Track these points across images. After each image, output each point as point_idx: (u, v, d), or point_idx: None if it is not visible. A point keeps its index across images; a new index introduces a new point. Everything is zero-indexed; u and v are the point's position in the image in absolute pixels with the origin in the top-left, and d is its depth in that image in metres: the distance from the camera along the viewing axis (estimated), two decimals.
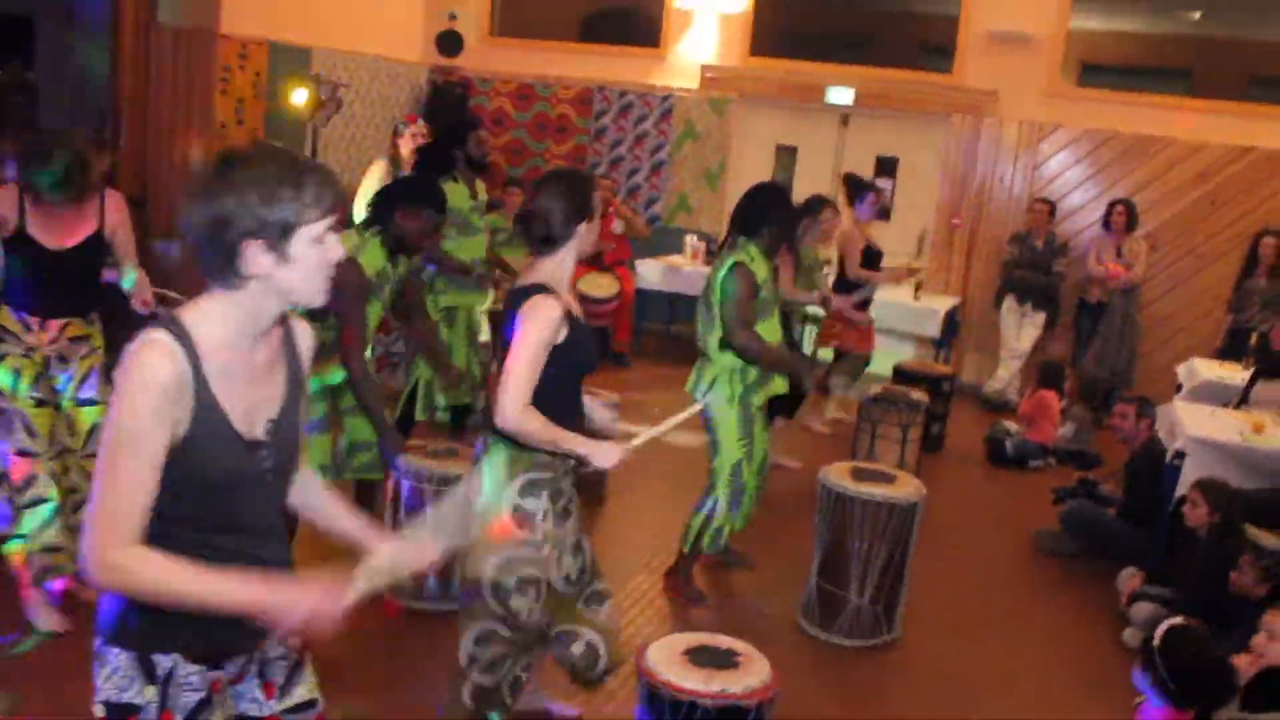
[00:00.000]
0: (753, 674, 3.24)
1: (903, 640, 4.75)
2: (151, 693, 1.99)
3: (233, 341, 1.95)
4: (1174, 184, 9.10)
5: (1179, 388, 7.45)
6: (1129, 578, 5.26)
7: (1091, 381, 8.19)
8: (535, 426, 3.16)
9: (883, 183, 9.68)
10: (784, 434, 6.83)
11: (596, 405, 3.58)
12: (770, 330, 4.75)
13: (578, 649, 3.53)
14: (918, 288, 9.07)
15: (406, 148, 6.73)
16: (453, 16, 10.38)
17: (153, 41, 8.12)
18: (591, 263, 8.90)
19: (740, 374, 4.67)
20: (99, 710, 2.01)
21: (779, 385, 4.90)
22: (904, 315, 8.81)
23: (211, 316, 1.94)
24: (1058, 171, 9.43)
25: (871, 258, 7.32)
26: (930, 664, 4.61)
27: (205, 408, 1.91)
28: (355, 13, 9.44)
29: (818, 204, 6.40)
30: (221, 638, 2.03)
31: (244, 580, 1.92)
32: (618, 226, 8.94)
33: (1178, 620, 3.28)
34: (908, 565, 4.70)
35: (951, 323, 9.24)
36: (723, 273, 4.64)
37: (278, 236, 1.88)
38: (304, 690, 2.24)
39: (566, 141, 10.47)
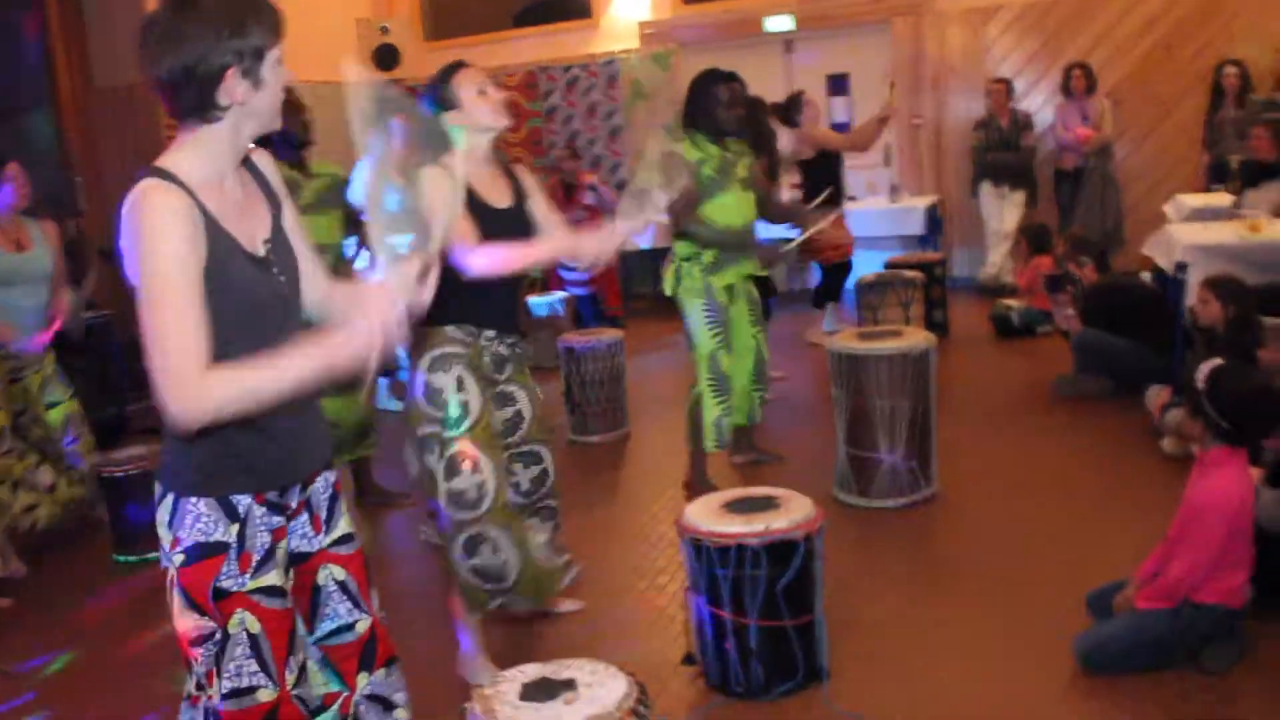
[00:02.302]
0: (796, 510, 3.21)
1: (942, 494, 4.71)
2: (235, 530, 2.07)
3: (216, 177, 2.03)
4: (1124, 37, 9.06)
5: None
6: (1157, 394, 5.21)
7: (1082, 242, 8.14)
8: (493, 256, 3.12)
9: (837, 100, 9.66)
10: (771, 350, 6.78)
11: None
12: (728, 208, 4.72)
13: (485, 551, 3.31)
14: (893, 190, 9.07)
15: None
16: (384, 30, 10.37)
17: (93, 104, 8.14)
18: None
19: (695, 261, 4.71)
20: (178, 559, 2.06)
21: (745, 266, 4.86)
22: (885, 219, 8.81)
23: (191, 156, 2.00)
24: (1009, 50, 9.40)
25: (830, 162, 7.28)
26: (972, 511, 4.56)
27: (217, 235, 1.97)
28: (290, 44, 9.42)
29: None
30: (285, 464, 2.12)
31: (311, 346, 1.95)
32: (588, 198, 8.90)
33: (1217, 360, 3.23)
34: (933, 417, 4.66)
35: (934, 220, 9.22)
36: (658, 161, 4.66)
37: (251, 63, 1.96)
38: (344, 524, 2.30)
39: (520, 128, 10.46)
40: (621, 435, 6.12)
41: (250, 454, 2.07)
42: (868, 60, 9.81)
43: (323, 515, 2.25)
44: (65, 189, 7.90)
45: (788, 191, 7.02)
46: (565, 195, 8.83)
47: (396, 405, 6.72)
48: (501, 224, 3.32)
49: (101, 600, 4.57)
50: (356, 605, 2.27)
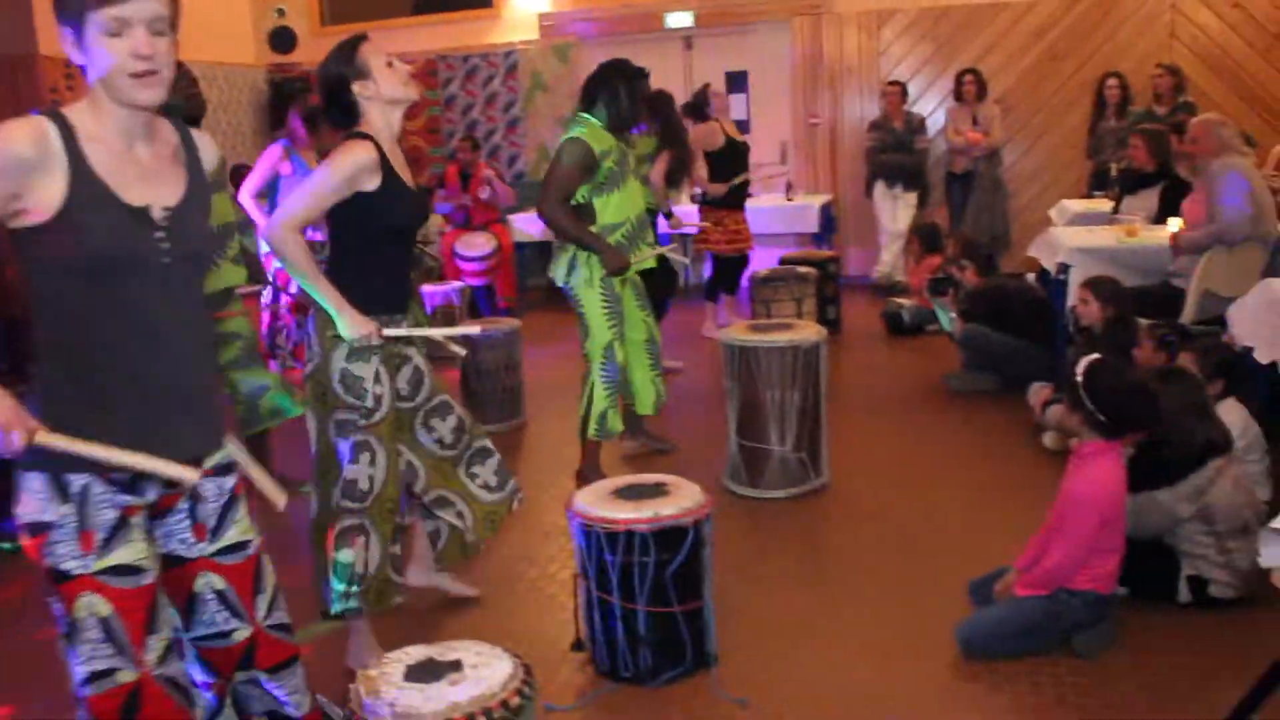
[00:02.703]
0: (686, 497, 3.22)
1: (832, 485, 4.78)
2: (67, 509, 2.00)
3: (110, 133, 2.00)
4: (1014, 46, 9.30)
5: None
6: (1039, 390, 5.35)
7: (969, 244, 8.34)
8: (295, 251, 3.06)
9: (736, 97, 9.72)
10: (667, 343, 6.79)
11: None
12: (618, 203, 4.72)
13: (448, 516, 3.45)
14: (789, 188, 9.19)
15: (304, 131, 6.44)
16: (280, 13, 10.20)
17: None
18: (464, 223, 8.83)
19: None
20: (24, 536, 2.04)
21: (643, 262, 4.87)
22: (780, 216, 8.92)
23: (84, 108, 2.01)
24: (904, 54, 9.57)
25: (739, 151, 7.33)
26: (861, 501, 4.64)
27: (83, 179, 1.94)
28: (186, 25, 9.18)
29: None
30: (140, 442, 2.00)
31: None
32: (484, 193, 8.83)
33: (1095, 356, 3.33)
34: (823, 409, 4.72)
35: (827, 218, 9.35)
36: (560, 145, 4.66)
37: (74, 23, 1.95)
38: (236, 531, 2.23)
39: (419, 116, 10.34)
40: (518, 424, 6.09)
41: (90, 430, 1.97)
42: (766, 59, 9.91)
43: (209, 524, 2.19)
44: None
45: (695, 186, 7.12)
46: (462, 185, 8.77)
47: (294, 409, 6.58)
48: (416, 207, 3.30)
49: None
50: (235, 615, 2.21)
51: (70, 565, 2.00)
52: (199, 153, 2.18)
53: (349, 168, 3.09)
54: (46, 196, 1.91)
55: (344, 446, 3.22)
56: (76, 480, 2.00)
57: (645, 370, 4.97)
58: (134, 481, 2.06)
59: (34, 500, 2.00)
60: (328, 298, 3.10)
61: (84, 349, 1.99)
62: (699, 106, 7.39)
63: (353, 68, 3.16)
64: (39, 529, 2.00)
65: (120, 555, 2.03)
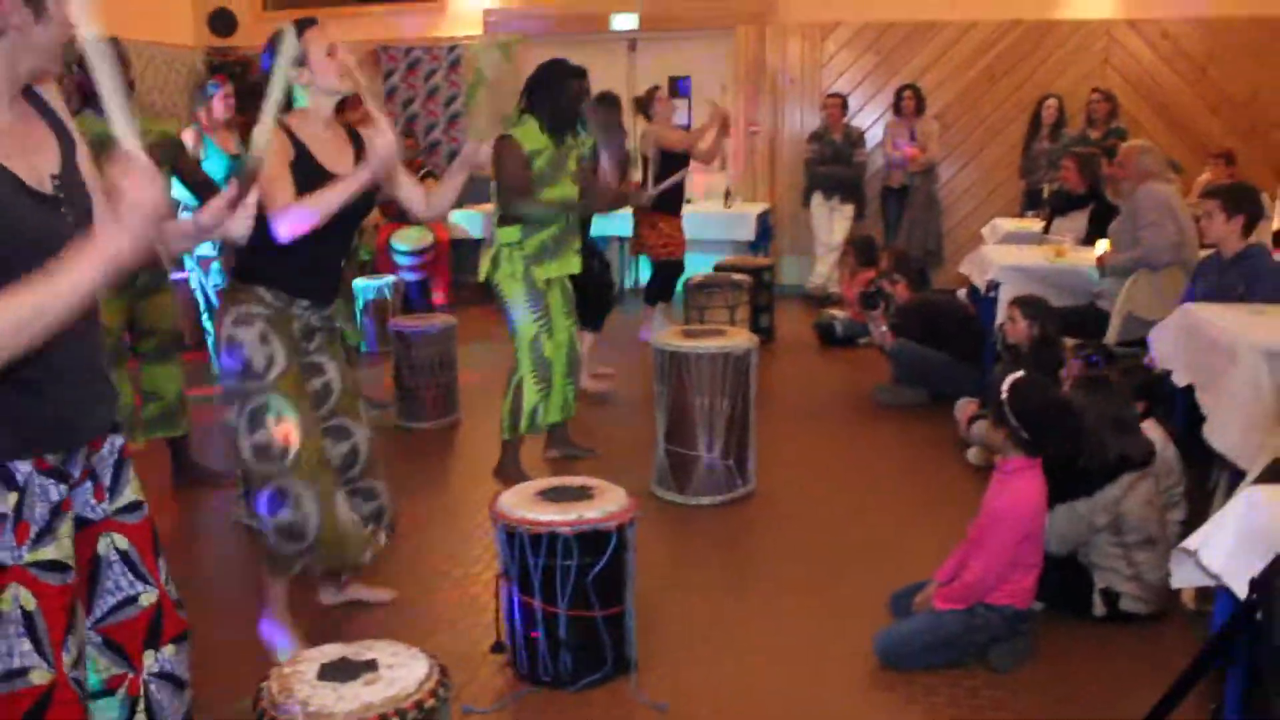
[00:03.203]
0: (610, 500, 3.22)
1: (757, 492, 4.81)
2: (12, 499, 1.92)
3: None
4: (954, 64, 9.44)
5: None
6: (965, 405, 5.43)
7: (902, 259, 8.44)
8: (310, 205, 3.00)
9: (678, 102, 9.75)
10: (600, 349, 6.81)
11: None
12: (557, 194, 4.76)
13: (288, 506, 3.23)
14: (728, 195, 9.22)
15: (219, 111, 6.31)
16: None
17: None
18: (401, 218, 8.74)
19: (518, 248, 4.71)
20: None
21: (566, 264, 4.87)
22: (717, 223, 8.95)
23: None
24: (845, 66, 9.66)
25: (677, 158, 7.34)
26: (787, 510, 4.66)
27: None
28: (121, 2, 9.01)
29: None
30: (65, 426, 1.98)
31: (76, 257, 1.76)
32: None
33: (1020, 373, 3.37)
34: (751, 417, 4.74)
35: (764, 227, 9.41)
36: (493, 147, 4.66)
37: None
38: (131, 491, 2.18)
39: (358, 106, 10.19)
40: (451, 422, 6.03)
41: (26, 415, 1.93)
42: (709, 65, 9.94)
43: (106, 482, 2.13)
44: None
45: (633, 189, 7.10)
46: None
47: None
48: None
49: None
50: (140, 577, 2.15)
51: (2, 556, 1.92)
52: (49, 103, 2.05)
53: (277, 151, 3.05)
54: None
55: (241, 422, 3.15)
56: (20, 469, 1.93)
57: (560, 378, 4.95)
58: (65, 464, 2.01)
59: None
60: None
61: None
62: (647, 106, 7.42)
63: (294, 55, 3.12)
64: None
65: (50, 551, 1.97)
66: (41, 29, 1.86)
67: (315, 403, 3.28)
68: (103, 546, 2.12)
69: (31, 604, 1.94)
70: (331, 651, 2.28)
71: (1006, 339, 5.25)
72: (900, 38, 9.51)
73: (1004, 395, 3.28)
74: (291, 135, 3.11)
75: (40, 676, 1.95)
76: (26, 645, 1.94)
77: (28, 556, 1.94)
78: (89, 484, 2.10)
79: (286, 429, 3.14)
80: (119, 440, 2.17)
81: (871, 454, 5.44)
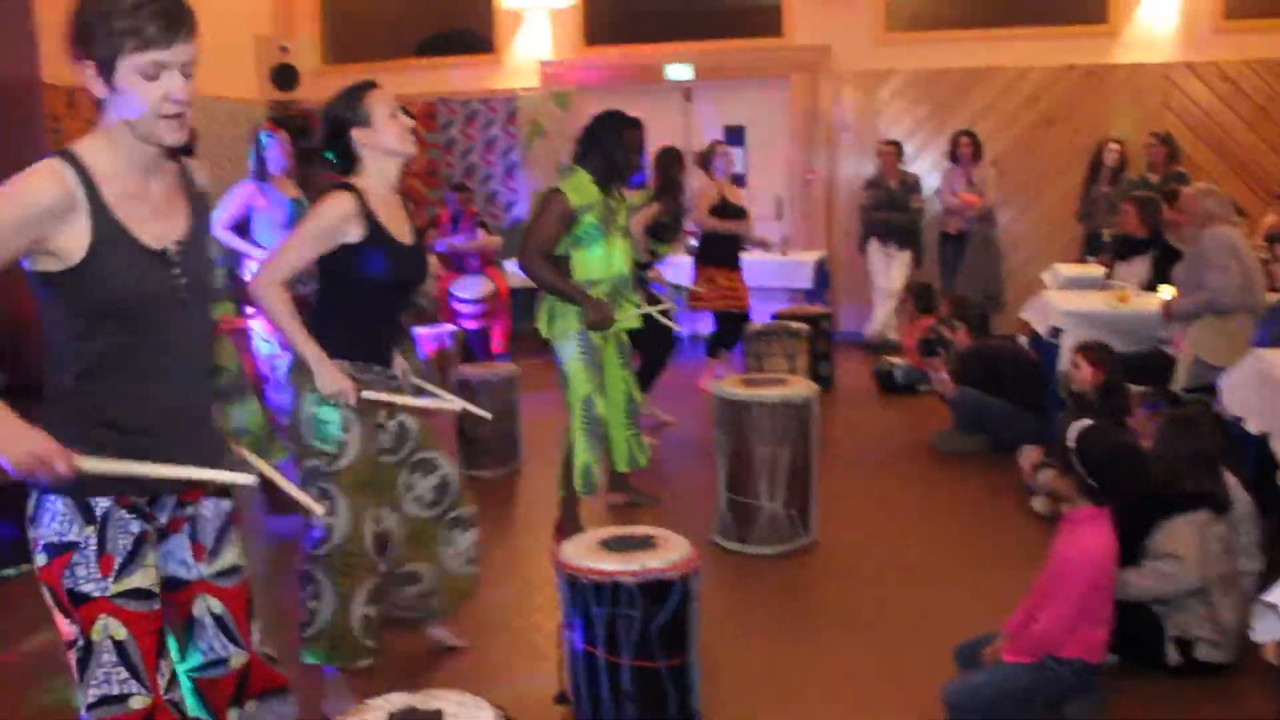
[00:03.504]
0: (673, 550, 3.20)
1: (819, 543, 4.76)
2: (90, 531, 2.02)
3: (123, 169, 2.00)
4: (1009, 110, 9.41)
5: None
6: (1029, 454, 5.36)
7: (962, 305, 8.38)
8: (276, 305, 3.08)
9: (734, 150, 9.78)
10: (662, 396, 6.82)
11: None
12: (599, 259, 4.68)
13: (411, 591, 3.44)
14: (785, 244, 9.24)
15: (274, 163, 6.46)
16: (284, 49, 10.24)
17: None
18: (460, 267, 8.84)
19: (572, 303, 4.63)
20: (40, 559, 2.03)
21: (628, 321, 4.83)
22: (774, 271, 8.94)
23: (99, 145, 2.00)
24: (900, 113, 9.67)
25: (731, 214, 7.37)
26: (849, 560, 4.62)
27: (105, 225, 1.95)
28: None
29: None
30: (151, 479, 2.05)
31: None
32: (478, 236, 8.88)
33: (1088, 420, 3.33)
34: (813, 466, 4.71)
35: (822, 274, 9.39)
36: (538, 197, 4.68)
37: (105, 61, 1.93)
38: (232, 555, 2.26)
39: (419, 157, 10.38)
40: (512, 471, 6.06)
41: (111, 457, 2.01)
42: (764, 113, 9.99)
43: (208, 544, 2.20)
44: None
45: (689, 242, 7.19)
46: (454, 228, 8.80)
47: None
48: (406, 262, 3.27)
49: None
50: (233, 640, 2.22)
51: (89, 588, 2.01)
52: (193, 177, 2.20)
53: (329, 220, 3.11)
54: (71, 243, 1.93)
55: (310, 491, 3.20)
56: (100, 503, 2.02)
57: (621, 429, 4.93)
58: (150, 505, 2.09)
59: (57, 521, 2.01)
60: (307, 351, 3.11)
61: (105, 384, 2.01)
62: (707, 161, 7.46)
63: (356, 114, 3.18)
64: (62, 549, 2.01)
65: (136, 579, 2.05)
66: (119, 102, 1.97)
67: (397, 445, 3.32)
68: (198, 609, 2.20)
69: (122, 633, 2.03)
70: (398, 700, 2.28)
71: (1070, 386, 5.19)
72: (954, 84, 9.50)
73: (1072, 443, 3.23)
74: (364, 205, 3.15)
75: (139, 702, 2.04)
76: (123, 673, 2.02)
77: (114, 588, 2.02)
78: (186, 541, 2.17)
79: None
80: (226, 505, 2.25)
81: (934, 503, 5.38)
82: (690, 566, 3.16)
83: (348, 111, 3.18)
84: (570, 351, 4.66)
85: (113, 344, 1.98)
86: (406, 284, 3.34)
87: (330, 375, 3.10)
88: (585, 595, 3.11)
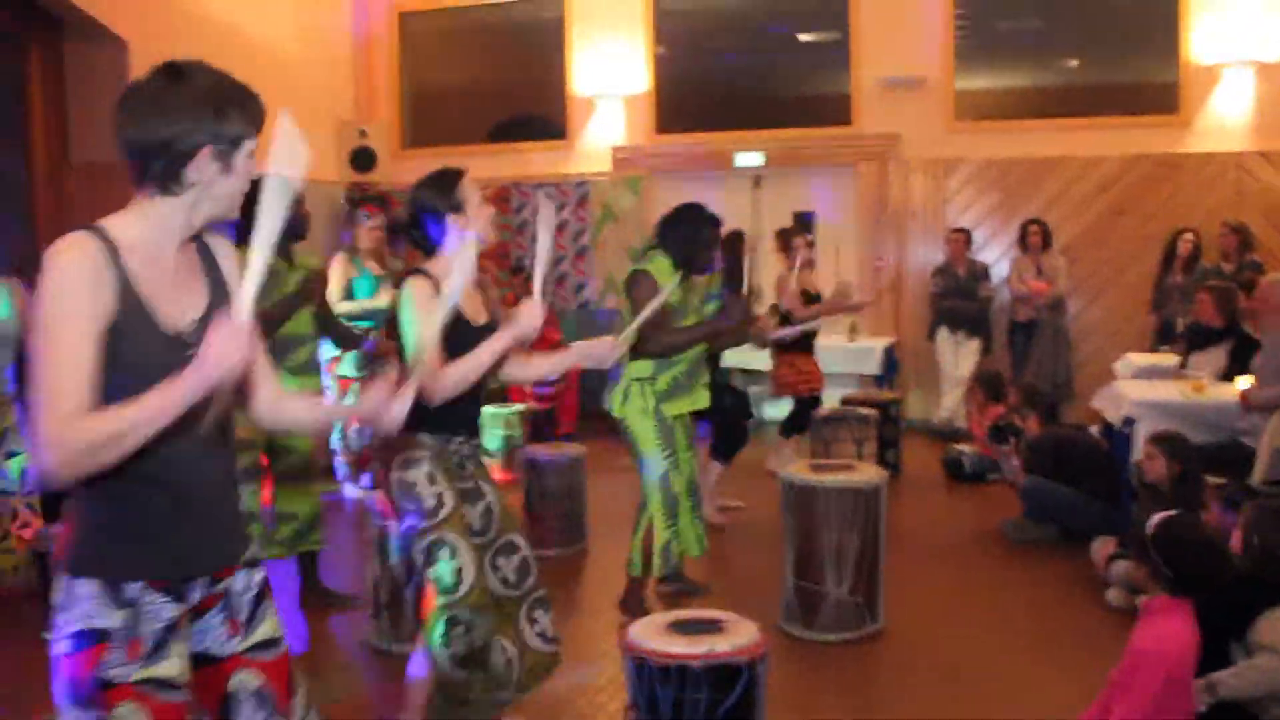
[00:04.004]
0: (741, 635, 3.19)
1: (887, 630, 4.70)
2: (121, 617, 1.99)
3: (155, 245, 2.02)
4: (1078, 198, 9.39)
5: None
6: (1102, 544, 5.27)
7: (1032, 393, 8.30)
8: (456, 373, 3.12)
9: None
10: (730, 480, 6.81)
11: None
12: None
13: (496, 658, 3.44)
14: (853, 329, 9.24)
15: (366, 240, 6.75)
16: (363, 133, 10.55)
17: (67, 178, 8.16)
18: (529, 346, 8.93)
19: (650, 383, 4.73)
20: (62, 647, 1.99)
21: (697, 399, 4.88)
22: (843, 356, 8.94)
23: (135, 221, 2.01)
24: (968, 201, 9.69)
25: (811, 301, 7.40)
26: (918, 649, 4.55)
27: (128, 299, 1.96)
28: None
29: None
30: (184, 555, 2.05)
31: (169, 385, 1.88)
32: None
33: (1169, 511, 3.29)
34: (881, 552, 4.67)
35: (890, 360, 9.37)
36: (626, 281, 4.75)
37: (227, 148, 2.00)
38: (267, 628, 2.23)
39: (493, 240, 10.55)
40: (578, 550, 6.08)
41: (142, 542, 2.02)
42: (833, 200, 10.06)
43: (241, 618, 2.18)
44: (34, 261, 7.86)
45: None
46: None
47: (356, 491, 6.69)
48: (474, 341, 3.34)
49: (17, 675, 4.43)
50: (274, 713, 2.19)
51: (114, 673, 1.98)
52: (217, 257, 2.20)
53: (420, 303, 3.19)
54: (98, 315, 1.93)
55: (419, 556, 3.24)
56: (131, 587, 2.00)
57: (687, 514, 4.95)
58: (181, 586, 2.07)
59: (87, 606, 1.98)
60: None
61: (123, 464, 1.95)
62: (787, 238, 7.53)
63: (453, 200, 3.27)
64: (98, 637, 1.97)
65: (162, 669, 2.02)
66: (226, 182, 2.04)
67: (483, 527, 3.36)
68: (234, 684, 2.17)
69: None
70: None
71: (1144, 476, 5.11)
72: (1023, 174, 9.52)
73: (1151, 533, 3.19)
74: (439, 290, 3.22)
75: None
76: None
77: (139, 674, 1.99)
78: (220, 617, 2.15)
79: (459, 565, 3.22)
80: (258, 575, 2.23)
81: (1004, 592, 5.29)
82: (758, 652, 3.14)
83: (444, 197, 3.27)
84: (645, 428, 4.71)
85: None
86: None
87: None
88: (651, 678, 3.10)
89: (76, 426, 1.84)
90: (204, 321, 2.07)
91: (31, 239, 7.88)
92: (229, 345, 1.87)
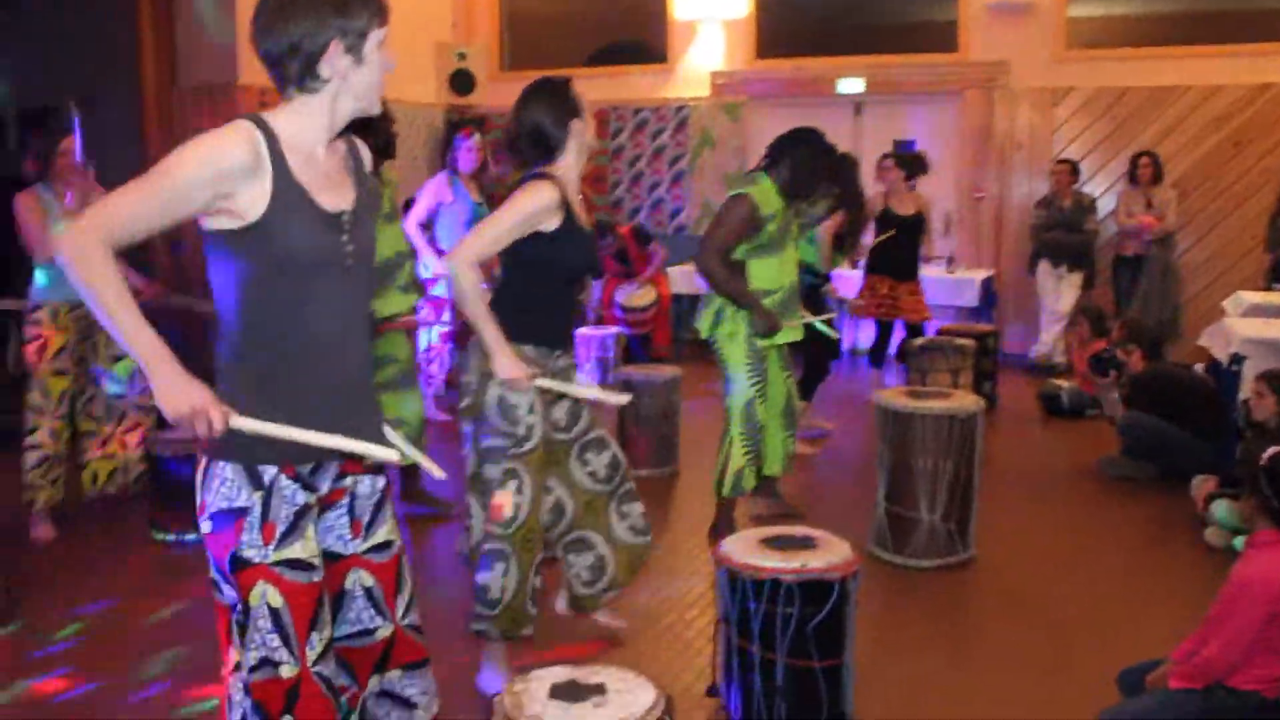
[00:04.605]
0: (834, 552, 3.21)
1: (978, 559, 4.69)
2: (258, 496, 2.10)
3: (310, 141, 2.12)
4: (1194, 130, 9.07)
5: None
6: (1202, 482, 5.16)
7: (1137, 328, 8.10)
8: (469, 281, 3.18)
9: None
10: (821, 406, 6.79)
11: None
12: (773, 268, 4.70)
13: (585, 560, 3.53)
14: (951, 261, 9.10)
15: (465, 162, 6.79)
16: (461, 56, 10.57)
17: (175, 101, 8.34)
18: (625, 274, 8.98)
19: (744, 313, 4.64)
20: (205, 526, 2.12)
21: (790, 332, 4.79)
22: (940, 288, 8.81)
23: (287, 116, 2.11)
24: (1076, 132, 9.42)
25: (893, 224, 7.28)
26: (1008, 579, 4.54)
27: (286, 186, 2.05)
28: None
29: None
30: (314, 448, 2.12)
31: (153, 342, 1.96)
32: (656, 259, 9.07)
33: None
34: (975, 481, 4.64)
35: (988, 293, 9.23)
36: (725, 201, 4.69)
37: (355, 41, 2.07)
38: (385, 530, 2.32)
39: (586, 162, 10.55)
40: (670, 472, 6.13)
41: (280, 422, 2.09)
42: (935, 129, 9.86)
43: (365, 520, 2.28)
44: None
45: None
46: (625, 266, 8.97)
47: (439, 416, 6.82)
48: (591, 250, 3.39)
49: (132, 572, 4.64)
50: (379, 612, 2.29)
51: (250, 554, 2.08)
52: (361, 159, 2.30)
53: (533, 207, 3.21)
54: (252, 201, 2.02)
55: (492, 472, 3.31)
56: (267, 471, 2.10)
57: (779, 432, 4.92)
58: (312, 475, 2.17)
59: (226, 486, 2.09)
60: (489, 334, 3.21)
61: (272, 343, 2.09)
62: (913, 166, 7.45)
63: (571, 103, 3.30)
64: (235, 515, 2.08)
65: (295, 550, 2.12)
66: (361, 73, 2.11)
67: (570, 422, 3.43)
68: (349, 581, 2.28)
69: (278, 600, 2.09)
70: (560, 673, 2.35)
71: (1251, 415, 4.99)
72: (1136, 104, 9.21)
73: (1264, 464, 3.12)
74: (563, 195, 3.27)
75: (288, 670, 2.10)
76: (275, 640, 2.09)
77: (274, 555, 2.10)
78: (345, 516, 2.25)
79: (506, 499, 3.30)
80: (381, 481, 2.32)
81: (1099, 528, 5.23)
82: (850, 569, 3.16)
83: (565, 103, 3.30)
84: (735, 354, 4.68)
85: (280, 304, 2.06)
86: (586, 272, 3.46)
87: (509, 361, 3.20)
88: (743, 591, 3.14)
89: (92, 250, 1.93)
90: (354, 215, 2.18)
91: (140, 163, 8.09)
92: (178, 401, 1.95)
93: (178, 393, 1.95)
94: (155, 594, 4.36)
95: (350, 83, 2.11)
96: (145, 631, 4.03)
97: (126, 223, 1.97)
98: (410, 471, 5.27)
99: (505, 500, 3.29)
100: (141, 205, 1.98)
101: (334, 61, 2.07)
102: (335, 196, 2.15)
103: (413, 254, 5.09)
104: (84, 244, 1.92)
